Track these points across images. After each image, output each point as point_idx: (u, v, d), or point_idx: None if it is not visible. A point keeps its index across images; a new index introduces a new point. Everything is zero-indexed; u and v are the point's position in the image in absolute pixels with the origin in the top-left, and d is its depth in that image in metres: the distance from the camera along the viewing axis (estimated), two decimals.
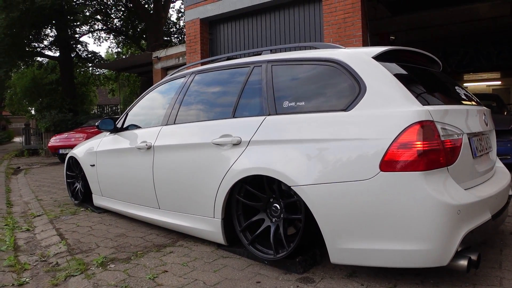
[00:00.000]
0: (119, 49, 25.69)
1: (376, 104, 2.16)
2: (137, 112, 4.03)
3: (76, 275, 2.63)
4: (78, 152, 4.87)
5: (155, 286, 2.37)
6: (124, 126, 4.04)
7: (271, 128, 2.54)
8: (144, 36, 21.16)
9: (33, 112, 24.44)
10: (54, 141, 11.84)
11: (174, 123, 3.32)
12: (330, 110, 2.32)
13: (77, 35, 20.60)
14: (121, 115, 4.22)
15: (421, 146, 1.97)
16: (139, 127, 3.87)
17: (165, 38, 20.21)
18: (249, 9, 7.84)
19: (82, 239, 3.45)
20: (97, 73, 23.90)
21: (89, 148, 4.60)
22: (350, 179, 2.09)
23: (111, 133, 4.17)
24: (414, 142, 1.97)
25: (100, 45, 27.42)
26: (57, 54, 19.79)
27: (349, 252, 2.15)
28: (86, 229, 3.80)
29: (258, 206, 2.62)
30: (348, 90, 2.30)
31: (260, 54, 3.02)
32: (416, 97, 2.13)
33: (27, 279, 2.65)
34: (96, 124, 4.03)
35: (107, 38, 23.48)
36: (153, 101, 3.89)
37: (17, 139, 27.08)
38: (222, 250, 2.96)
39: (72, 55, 20.12)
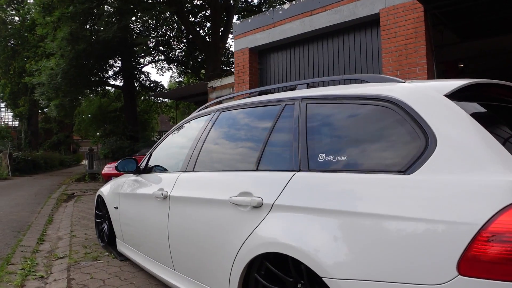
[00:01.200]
0: (180, 79, 26.43)
1: (453, 165, 1.44)
2: (160, 152, 3.58)
3: None
4: (105, 190, 4.53)
5: None
6: (148, 167, 3.60)
7: (301, 190, 1.89)
8: (204, 66, 21.54)
9: (97, 137, 25.63)
10: (107, 168, 11.90)
11: (193, 170, 2.78)
12: (383, 170, 1.63)
13: (140, 66, 21.44)
14: None
15: None
16: (162, 170, 3.39)
17: (224, 68, 20.37)
18: (301, 37, 7.32)
19: None
20: (159, 101, 24.63)
21: (115, 188, 4.23)
22: (409, 281, 1.38)
23: (133, 174, 3.75)
24: None
25: (162, 75, 28.55)
26: (121, 83, 20.66)
27: None
28: (98, 284, 3.34)
29: None
30: (408, 142, 1.61)
31: (295, 89, 2.41)
32: None
33: None
34: (116, 165, 3.63)
35: (169, 69, 24.29)
36: (176, 141, 3.42)
37: (84, 162, 28.54)
38: None
39: (135, 84, 20.90)
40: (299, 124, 2.08)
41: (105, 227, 4.54)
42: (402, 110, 1.67)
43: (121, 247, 4.02)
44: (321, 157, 1.88)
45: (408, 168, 1.53)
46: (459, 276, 1.27)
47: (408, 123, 1.63)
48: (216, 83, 12.30)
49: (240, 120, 2.69)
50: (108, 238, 4.43)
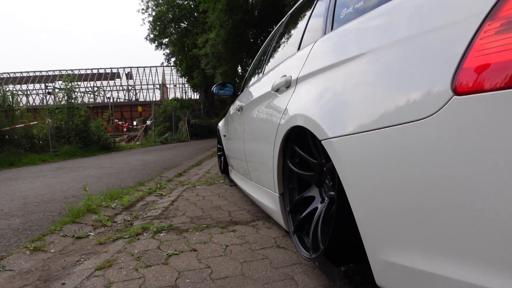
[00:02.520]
0: None
1: None
2: (251, 70, 3.55)
3: (125, 238, 2.38)
4: (221, 123, 4.79)
5: (161, 264, 1.85)
6: (245, 87, 3.63)
7: (318, 54, 1.60)
8: None
9: None
10: None
11: (263, 74, 2.68)
12: None
13: None
14: None
15: None
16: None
17: None
18: None
19: (181, 207, 3.23)
20: None
21: (225, 119, 4.43)
22: (394, 122, 1.00)
23: (234, 98, 3.83)
24: None
25: None
26: None
27: (400, 273, 1.04)
28: (198, 199, 3.59)
29: (308, 176, 1.72)
30: None
31: None
32: None
33: (90, 233, 2.57)
34: (212, 88, 3.74)
35: None
36: (261, 55, 3.32)
37: None
38: (287, 239, 2.17)
39: None
40: None
41: (222, 157, 4.84)
42: None
43: (231, 173, 4.22)
44: (343, 13, 1.54)
45: None
46: (454, 97, 0.86)
47: None
48: None
49: (300, 14, 2.43)
50: (224, 167, 4.71)
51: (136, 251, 2.06)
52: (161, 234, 2.38)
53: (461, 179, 0.82)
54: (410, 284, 1.01)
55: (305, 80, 1.63)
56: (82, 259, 2.07)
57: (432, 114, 0.89)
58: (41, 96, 34.05)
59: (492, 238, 0.78)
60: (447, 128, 0.86)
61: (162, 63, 29.81)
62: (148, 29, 24.21)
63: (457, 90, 0.84)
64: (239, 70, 19.79)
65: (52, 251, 2.23)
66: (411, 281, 1.00)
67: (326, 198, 1.60)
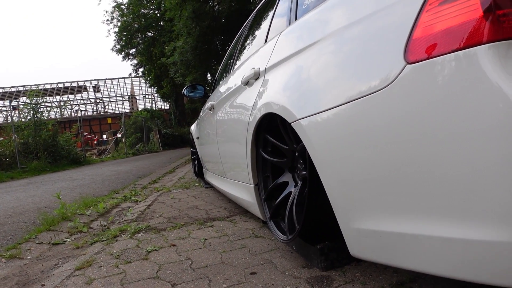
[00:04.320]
0: None
1: None
2: (219, 74, 3.60)
3: (103, 240, 2.37)
4: (193, 126, 4.81)
5: (141, 259, 1.86)
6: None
7: (283, 43, 1.68)
8: None
9: None
10: None
11: (232, 71, 2.74)
12: None
13: None
14: None
15: None
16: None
17: None
18: None
19: (158, 209, 3.23)
20: None
21: (197, 120, 4.46)
22: (356, 96, 1.07)
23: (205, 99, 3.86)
24: None
25: None
26: None
27: (371, 238, 1.13)
28: (174, 201, 3.59)
29: (281, 163, 1.79)
30: None
31: None
32: None
33: (67, 240, 2.54)
34: (183, 91, 3.76)
35: None
36: (230, 54, 3.39)
37: None
38: (265, 229, 2.22)
39: None
40: None
41: (196, 161, 4.85)
42: None
43: (206, 175, 4.24)
44: (306, 3, 1.63)
45: None
46: (407, 65, 0.94)
47: None
48: None
49: (265, 11, 2.51)
50: (198, 170, 4.72)
51: (115, 251, 2.06)
52: (139, 234, 2.39)
53: (419, 140, 0.90)
54: (381, 248, 1.09)
55: (273, 69, 1.70)
56: (60, 263, 2.05)
57: (390, 83, 0.97)
58: (5, 114, 32.91)
59: (448, 194, 0.86)
60: (405, 95, 0.94)
61: (130, 74, 29.44)
62: (114, 40, 23.89)
63: (410, 59, 0.92)
64: (209, 77, 19.76)
65: (28, 257, 2.20)
66: (381, 245, 1.08)
67: (299, 182, 1.67)
